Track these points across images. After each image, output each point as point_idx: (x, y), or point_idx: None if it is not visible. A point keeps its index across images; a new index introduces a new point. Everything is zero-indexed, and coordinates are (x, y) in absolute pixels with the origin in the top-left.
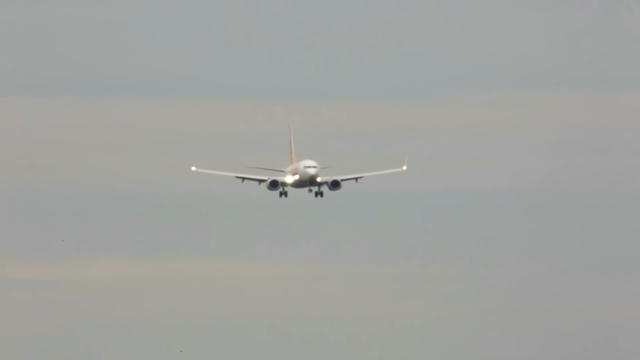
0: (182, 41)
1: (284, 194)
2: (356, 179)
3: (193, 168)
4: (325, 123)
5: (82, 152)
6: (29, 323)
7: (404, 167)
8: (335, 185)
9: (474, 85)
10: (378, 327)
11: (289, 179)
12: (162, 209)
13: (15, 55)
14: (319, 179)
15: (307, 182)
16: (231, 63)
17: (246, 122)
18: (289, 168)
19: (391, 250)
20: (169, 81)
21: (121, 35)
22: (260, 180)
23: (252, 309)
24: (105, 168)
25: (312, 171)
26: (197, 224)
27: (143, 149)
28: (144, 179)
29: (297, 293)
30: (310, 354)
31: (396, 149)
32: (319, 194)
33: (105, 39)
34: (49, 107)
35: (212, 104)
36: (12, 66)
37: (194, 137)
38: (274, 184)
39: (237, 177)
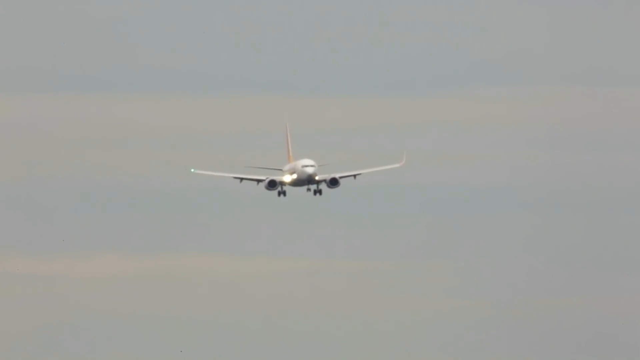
0: (181, 38)
1: (282, 193)
2: (354, 175)
3: (192, 170)
4: (322, 120)
5: (80, 148)
6: (28, 319)
7: (402, 163)
8: (333, 183)
9: (474, 82)
10: (377, 322)
11: (287, 178)
12: (161, 206)
13: (13, 51)
14: (317, 177)
15: (305, 181)
16: (229, 60)
17: (243, 120)
18: (287, 167)
19: (391, 246)
20: (166, 78)
21: (118, 30)
22: (259, 181)
23: (251, 304)
24: (104, 164)
25: (310, 170)
26: (196, 222)
27: (142, 145)
28: (142, 175)
29: (298, 289)
30: (309, 349)
31: (395, 145)
32: (318, 192)
33: (102, 34)
34: (47, 103)
35: (209, 100)
36: (11, 61)
37: (191, 133)
38: (272, 184)
39: (235, 178)
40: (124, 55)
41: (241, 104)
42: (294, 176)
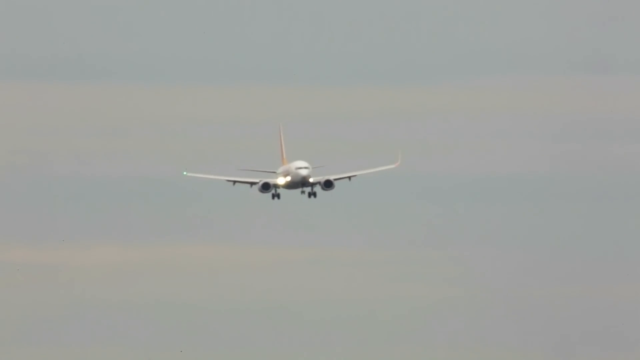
0: (176, 30)
1: (276, 196)
2: (349, 177)
3: (184, 172)
4: (316, 119)
5: (75, 137)
6: (27, 308)
7: (397, 164)
8: (328, 185)
9: (474, 72)
10: (374, 312)
11: (281, 180)
12: (158, 198)
13: (8, 39)
14: (311, 180)
15: (299, 183)
16: (226, 52)
17: (236, 122)
18: (281, 169)
19: (390, 245)
20: (162, 69)
21: (111, 20)
22: (252, 183)
23: (250, 294)
24: (103, 154)
25: (304, 172)
26: (195, 214)
27: (137, 139)
28: (139, 166)
29: (294, 279)
30: (303, 338)
31: (391, 137)
32: (312, 194)
33: (96, 24)
34: (47, 92)
35: (204, 91)
36: (7, 49)
37: (185, 131)
38: (265, 187)
39: (228, 181)
40: (120, 46)
41: (234, 102)
42: (288, 178)
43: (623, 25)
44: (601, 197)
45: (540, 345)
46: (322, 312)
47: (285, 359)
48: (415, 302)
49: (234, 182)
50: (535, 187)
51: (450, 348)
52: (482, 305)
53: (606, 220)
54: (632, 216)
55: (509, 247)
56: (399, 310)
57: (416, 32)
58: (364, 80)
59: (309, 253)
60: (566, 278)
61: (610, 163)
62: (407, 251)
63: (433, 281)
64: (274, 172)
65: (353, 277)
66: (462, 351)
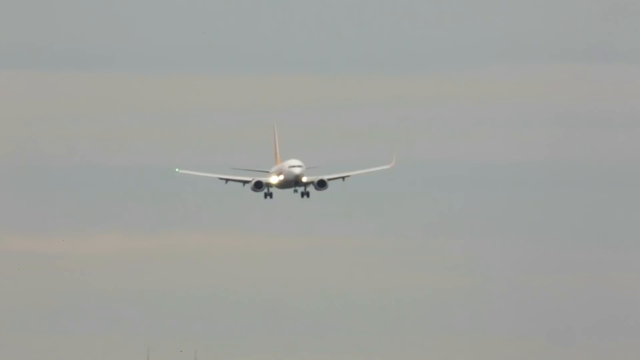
0: (173, 22)
1: (269, 195)
2: (343, 177)
3: (177, 169)
4: (309, 109)
5: (67, 127)
6: (29, 297)
7: (392, 165)
8: (321, 185)
9: (469, 61)
10: (366, 305)
11: (274, 179)
12: (151, 191)
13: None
14: (304, 179)
15: (292, 182)
16: (226, 47)
17: (231, 112)
18: (274, 168)
19: (385, 240)
20: (159, 62)
21: (106, 9)
22: (245, 182)
23: (251, 282)
24: (104, 143)
25: (297, 170)
26: (192, 203)
27: (133, 130)
28: (134, 159)
29: (293, 268)
30: (300, 328)
31: (385, 128)
32: (305, 194)
33: (90, 12)
34: (46, 81)
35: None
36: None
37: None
38: (258, 185)
39: (221, 179)
40: (114, 35)
41: (228, 97)
42: (281, 177)
43: (620, 13)
44: (601, 185)
45: (543, 333)
46: (313, 304)
47: (277, 349)
48: (411, 295)
49: (227, 180)
50: (532, 176)
51: (445, 341)
52: (481, 296)
53: (606, 207)
54: (632, 204)
55: (506, 238)
56: (393, 304)
57: (410, 21)
58: (359, 70)
59: (302, 246)
60: (568, 266)
61: (609, 151)
62: (403, 245)
63: (430, 276)
64: (267, 172)
65: (347, 272)
66: (460, 344)
